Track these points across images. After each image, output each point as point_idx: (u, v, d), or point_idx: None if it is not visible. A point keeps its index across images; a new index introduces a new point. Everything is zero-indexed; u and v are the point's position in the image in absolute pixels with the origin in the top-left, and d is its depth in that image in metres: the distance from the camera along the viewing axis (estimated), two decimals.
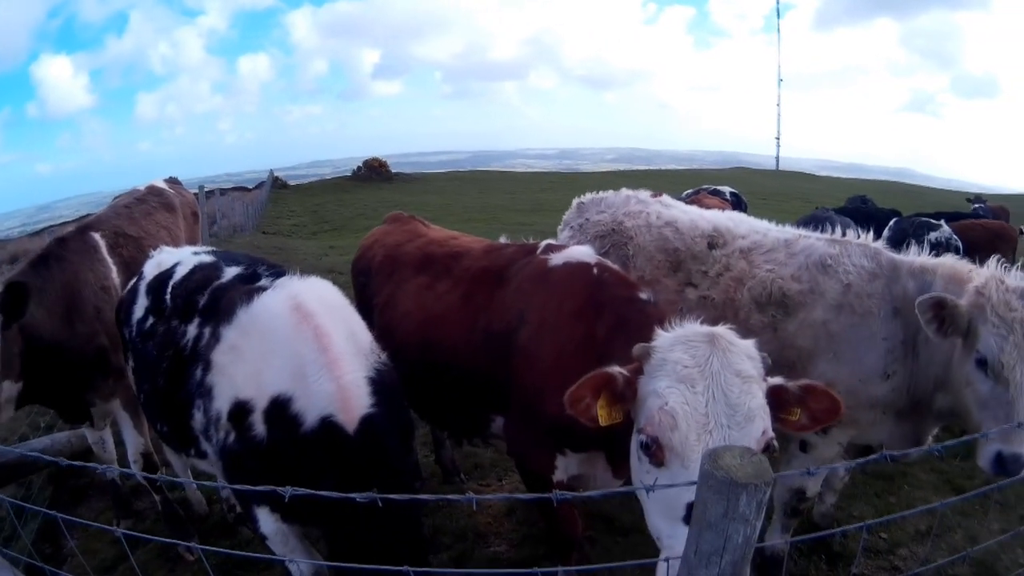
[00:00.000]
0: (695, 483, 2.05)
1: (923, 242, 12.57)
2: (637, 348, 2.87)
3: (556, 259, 4.07)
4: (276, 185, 48.91)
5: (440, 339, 4.35)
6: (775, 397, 2.81)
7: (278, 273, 3.87)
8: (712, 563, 1.95)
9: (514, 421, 4.11)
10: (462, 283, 4.45)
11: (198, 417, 3.63)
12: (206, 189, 23.37)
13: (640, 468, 2.81)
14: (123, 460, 5.53)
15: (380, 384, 3.41)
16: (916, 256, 4.34)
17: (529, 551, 5.10)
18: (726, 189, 17.40)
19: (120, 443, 5.53)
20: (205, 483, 5.18)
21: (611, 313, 3.62)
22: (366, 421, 3.21)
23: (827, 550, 5.24)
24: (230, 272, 4.04)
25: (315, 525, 3.50)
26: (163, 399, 3.96)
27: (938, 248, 12.01)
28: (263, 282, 3.79)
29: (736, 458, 1.94)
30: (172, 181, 7.79)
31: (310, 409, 3.21)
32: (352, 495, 2.39)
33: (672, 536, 2.57)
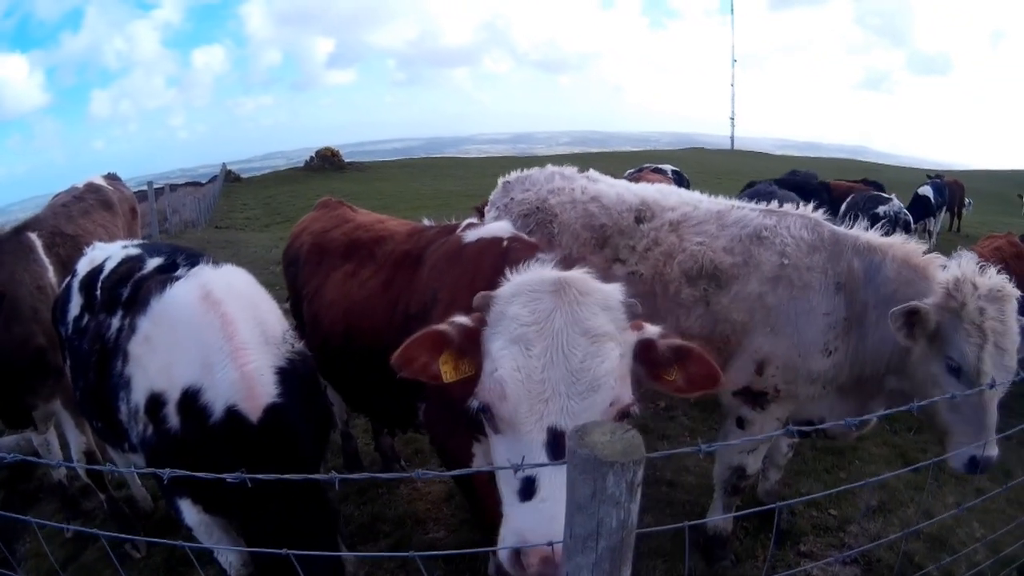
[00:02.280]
0: (562, 462, 1.92)
1: (872, 215, 12.76)
2: (478, 297, 2.66)
3: (470, 236, 3.87)
4: (229, 179, 48.75)
5: (364, 326, 4.23)
6: (645, 353, 2.58)
7: (194, 262, 3.80)
8: (588, 548, 1.81)
9: (431, 407, 3.96)
10: (384, 268, 4.32)
11: (123, 410, 3.57)
12: (156, 186, 23.08)
13: (489, 433, 2.59)
14: (68, 461, 5.38)
15: (290, 373, 3.37)
16: (863, 232, 4.24)
17: (467, 536, 5.05)
18: (667, 167, 17.41)
19: (65, 445, 5.49)
20: (113, 468, 5.13)
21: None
22: (271, 410, 3.18)
23: (773, 526, 5.13)
24: (152, 263, 3.98)
25: (231, 515, 3.43)
26: (94, 394, 3.90)
27: (886, 221, 12.12)
28: (179, 271, 3.73)
29: (605, 434, 1.78)
30: (111, 177, 7.74)
31: (217, 400, 3.17)
32: (223, 475, 2.27)
33: (508, 512, 2.37)
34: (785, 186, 11.89)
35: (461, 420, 3.46)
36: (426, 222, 4.74)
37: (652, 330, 2.62)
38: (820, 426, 3.49)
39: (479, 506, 4.01)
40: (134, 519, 5.33)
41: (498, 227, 3.89)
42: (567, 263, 3.85)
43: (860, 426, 4.25)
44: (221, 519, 3.50)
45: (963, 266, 3.81)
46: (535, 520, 2.19)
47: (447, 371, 2.63)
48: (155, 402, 3.32)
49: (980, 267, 3.78)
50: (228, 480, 2.25)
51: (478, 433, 3.47)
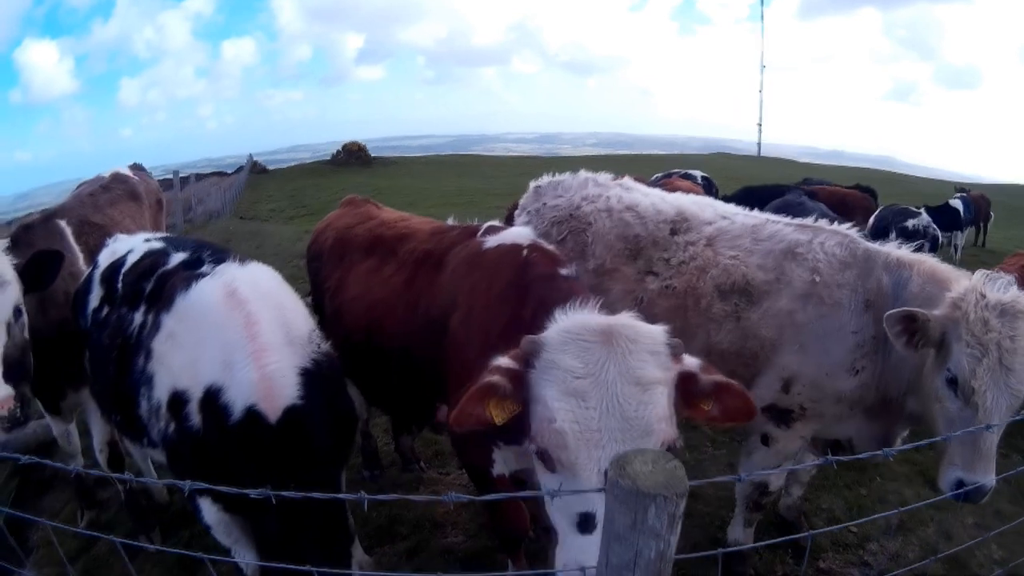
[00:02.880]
0: (599, 489, 2.08)
1: (900, 229, 12.66)
2: (525, 342, 2.65)
3: (490, 242, 3.90)
4: (255, 170, 48.76)
5: (385, 324, 4.25)
6: (685, 386, 2.64)
7: (220, 259, 3.79)
8: None
9: (452, 410, 3.93)
10: (407, 266, 4.32)
11: (143, 406, 3.57)
12: (182, 175, 23.13)
13: (537, 465, 2.65)
14: (88, 451, 5.50)
15: (314, 375, 3.35)
16: (895, 248, 4.15)
17: (485, 542, 5.01)
18: (697, 173, 17.31)
19: (84, 433, 5.47)
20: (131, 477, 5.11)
21: (534, 293, 3.37)
22: (290, 412, 3.16)
23: (794, 544, 5.08)
24: (176, 258, 3.97)
25: (250, 516, 3.42)
26: (113, 388, 3.90)
27: (915, 235, 12.02)
28: (204, 268, 3.72)
29: (647, 464, 1.77)
30: (136, 168, 7.69)
31: (237, 399, 3.17)
32: (246, 491, 2.29)
33: (564, 543, 2.49)
34: (761, 193, 12.11)
35: (480, 429, 3.52)
36: (450, 221, 4.69)
37: (692, 362, 2.68)
38: (858, 456, 3.40)
39: (497, 515, 4.05)
40: (150, 510, 5.34)
41: (518, 233, 3.91)
42: (598, 274, 3.85)
43: (883, 445, 4.22)
44: (240, 518, 3.50)
45: (975, 278, 3.68)
46: (591, 553, 2.20)
47: (497, 415, 2.65)
48: (178, 400, 3.33)
49: (997, 282, 3.61)
50: (252, 496, 2.26)
51: (500, 441, 3.55)
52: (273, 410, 3.13)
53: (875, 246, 4.20)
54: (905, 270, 3.99)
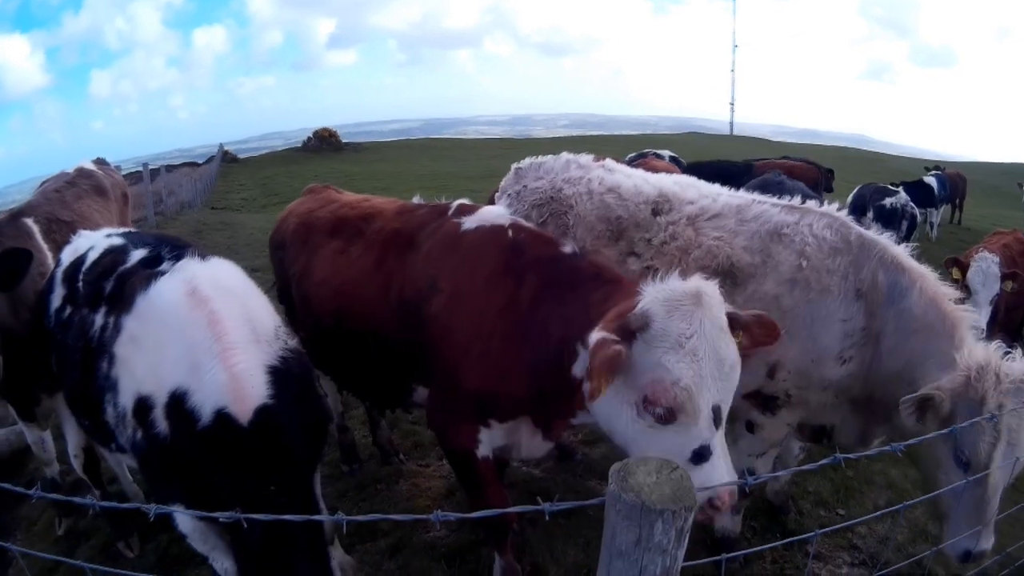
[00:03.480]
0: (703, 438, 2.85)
1: (878, 207, 12.66)
2: (634, 317, 2.94)
3: (468, 223, 3.96)
4: (226, 159, 48.45)
5: (355, 307, 4.21)
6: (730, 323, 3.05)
7: (180, 255, 3.66)
8: None
9: (434, 394, 4.01)
10: (375, 247, 4.27)
11: (110, 412, 3.45)
12: (152, 167, 22.88)
13: (635, 422, 3.00)
14: (64, 456, 5.36)
15: (283, 372, 3.24)
16: (891, 242, 4.06)
17: (468, 536, 4.93)
18: (665, 153, 17.32)
19: (59, 437, 5.37)
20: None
21: (535, 277, 3.58)
22: (262, 412, 3.04)
23: (782, 528, 5.11)
24: (135, 256, 3.83)
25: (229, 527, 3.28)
26: (80, 393, 3.77)
27: (893, 214, 12.01)
28: (163, 265, 3.59)
29: (651, 474, 1.69)
30: (100, 162, 7.66)
31: (205, 402, 3.03)
32: (215, 514, 2.23)
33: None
34: (705, 169, 12.39)
35: (468, 406, 3.76)
36: (416, 200, 4.68)
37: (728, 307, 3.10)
38: (865, 453, 3.41)
39: (481, 503, 4.02)
40: (127, 517, 5.14)
41: (494, 212, 4.00)
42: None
43: (863, 441, 4.23)
44: (217, 525, 3.37)
45: (991, 352, 3.59)
46: (714, 473, 2.91)
47: (605, 388, 2.91)
48: (143, 406, 3.20)
49: (1007, 358, 3.53)
50: (221, 519, 2.17)
51: (490, 418, 3.78)
52: (244, 412, 3.01)
53: (869, 234, 4.10)
54: (904, 278, 3.89)
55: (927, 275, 3.93)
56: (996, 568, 4.45)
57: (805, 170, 15.49)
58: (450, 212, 4.11)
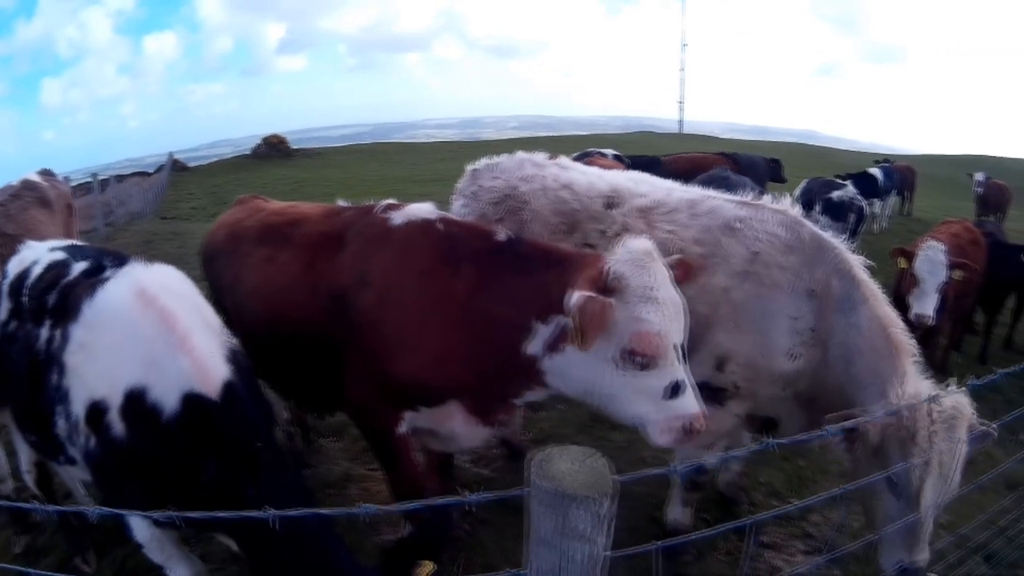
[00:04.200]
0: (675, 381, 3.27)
1: (825, 200, 12.79)
2: (609, 276, 3.27)
3: (397, 219, 4.04)
4: (176, 168, 47.94)
5: (287, 310, 4.25)
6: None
7: (122, 263, 3.69)
8: None
9: (357, 380, 4.04)
10: (303, 251, 4.32)
11: (61, 424, 3.45)
12: (102, 177, 22.60)
13: (617, 375, 3.32)
14: (18, 473, 5.26)
15: (234, 360, 3.34)
16: (847, 249, 4.11)
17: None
18: (609, 151, 17.48)
19: (13, 453, 5.24)
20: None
21: (472, 267, 3.72)
22: (229, 386, 3.14)
23: (734, 519, 5.04)
24: (77, 268, 3.83)
25: (189, 529, 3.42)
26: (28, 407, 3.76)
27: (840, 207, 12.14)
28: (106, 273, 3.61)
29: (568, 462, 1.71)
30: (46, 173, 7.70)
31: (169, 392, 3.08)
32: (151, 513, 2.22)
33: (658, 410, 3.35)
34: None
35: (393, 393, 3.92)
36: (340, 203, 4.70)
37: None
38: (797, 438, 3.33)
39: (400, 481, 4.30)
40: (83, 531, 5.11)
41: (421, 208, 4.10)
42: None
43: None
44: (173, 533, 3.43)
45: (925, 386, 3.69)
46: (690, 402, 3.33)
47: (592, 340, 3.22)
48: (96, 410, 3.20)
49: (941, 393, 3.55)
50: (156, 519, 2.14)
51: (418, 404, 3.96)
52: (213, 388, 3.07)
53: (825, 236, 4.15)
54: (857, 292, 3.95)
55: (878, 294, 4.00)
56: (951, 548, 4.52)
57: (713, 161, 16.23)
58: (377, 210, 4.18)
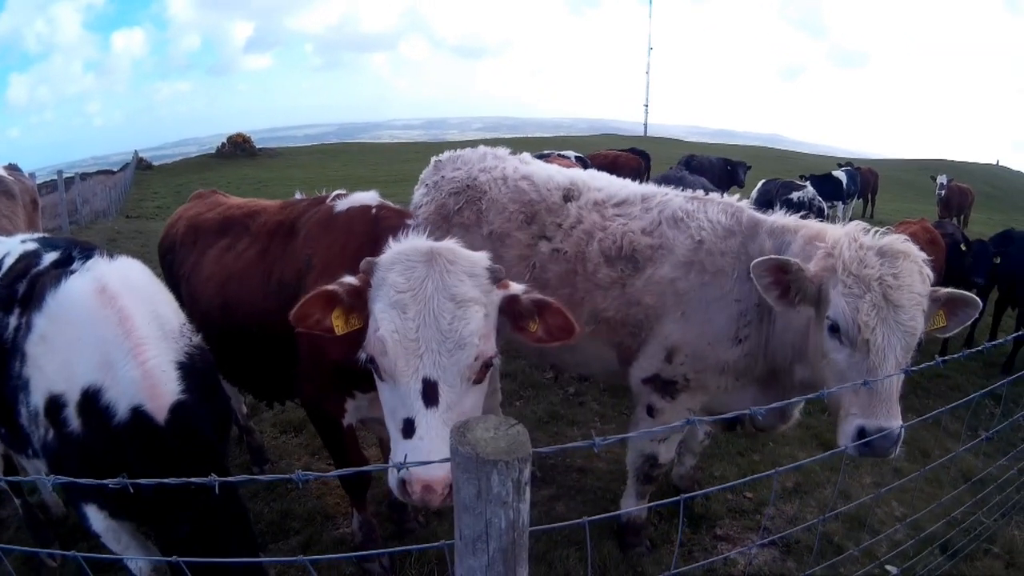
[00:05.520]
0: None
1: (786, 201, 12.91)
2: (364, 263, 2.99)
3: (340, 206, 4.16)
4: (140, 166, 47.73)
5: (241, 297, 4.39)
6: (510, 306, 2.99)
7: (89, 255, 3.67)
8: (479, 550, 1.74)
9: (304, 367, 4.10)
10: (260, 239, 4.49)
11: (23, 414, 3.44)
12: (67, 175, 22.42)
13: (377, 380, 2.95)
14: None
15: (191, 369, 3.31)
16: (781, 216, 4.13)
17: (380, 531, 4.89)
18: (570, 153, 17.69)
19: None
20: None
21: (385, 243, 3.56)
22: (177, 409, 3.11)
23: (689, 512, 5.17)
24: (48, 258, 3.82)
25: (142, 521, 3.38)
26: None
27: (800, 207, 12.28)
28: (74, 265, 3.59)
29: (489, 430, 1.75)
30: (12, 168, 7.78)
31: (120, 399, 3.08)
32: (105, 481, 2.15)
33: (394, 448, 2.82)
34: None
35: (334, 378, 3.90)
36: (298, 195, 4.83)
37: (517, 287, 3.04)
38: (721, 416, 3.27)
39: (343, 461, 4.30)
40: (48, 526, 5.16)
41: (364, 196, 4.20)
42: (492, 240, 4.00)
43: (783, 418, 4.27)
44: (129, 524, 3.41)
45: (849, 226, 3.63)
46: (414, 453, 2.61)
47: (339, 325, 3.00)
48: (55, 404, 3.21)
49: (872, 231, 3.56)
50: (109, 486, 2.14)
51: (354, 390, 3.92)
52: (160, 409, 3.06)
53: (762, 215, 4.19)
54: (789, 234, 3.96)
55: (810, 224, 4.00)
56: (904, 538, 4.60)
57: (628, 159, 17.54)
58: (327, 200, 4.29)
